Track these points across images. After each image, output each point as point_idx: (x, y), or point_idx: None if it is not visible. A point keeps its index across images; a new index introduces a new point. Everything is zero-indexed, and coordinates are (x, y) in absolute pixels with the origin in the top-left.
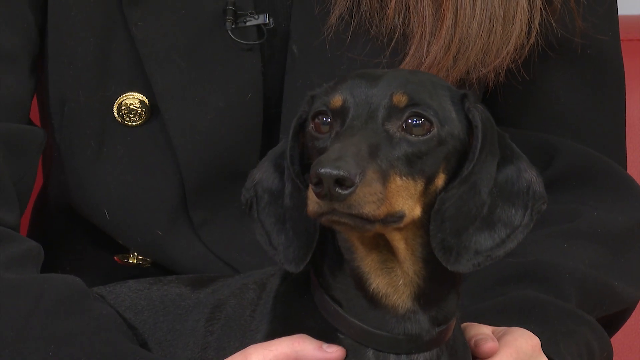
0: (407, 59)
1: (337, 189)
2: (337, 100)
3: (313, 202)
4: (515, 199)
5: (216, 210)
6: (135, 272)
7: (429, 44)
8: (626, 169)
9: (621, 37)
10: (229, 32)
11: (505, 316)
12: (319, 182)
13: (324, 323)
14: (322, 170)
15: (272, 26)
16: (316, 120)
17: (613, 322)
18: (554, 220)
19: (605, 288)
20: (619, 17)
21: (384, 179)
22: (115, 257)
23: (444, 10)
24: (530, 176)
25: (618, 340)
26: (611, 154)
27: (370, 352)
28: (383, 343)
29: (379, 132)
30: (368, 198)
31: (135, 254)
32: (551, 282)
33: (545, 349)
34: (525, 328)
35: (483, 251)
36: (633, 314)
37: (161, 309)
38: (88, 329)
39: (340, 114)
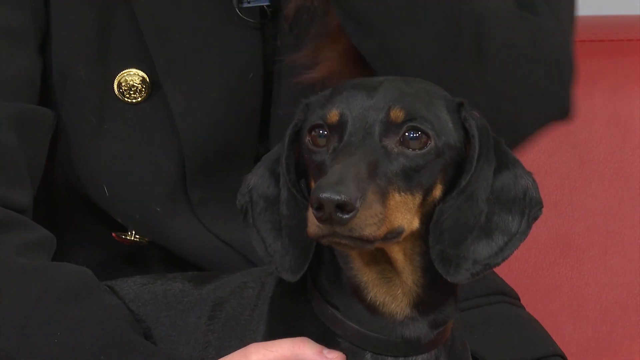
0: None
1: (338, 213)
2: (333, 114)
3: (313, 225)
4: (512, 206)
5: (214, 189)
6: (133, 251)
7: None
8: None
9: (621, 37)
10: (236, 9)
11: None
12: (320, 207)
13: (322, 326)
14: (323, 196)
15: (272, 8)
16: (312, 133)
17: None
18: None
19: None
20: (619, 17)
21: (384, 197)
22: (113, 234)
23: None
24: (526, 182)
25: (618, 340)
26: None
27: (368, 355)
28: (381, 346)
29: (377, 149)
30: (369, 220)
31: (134, 232)
32: None
33: None
34: None
35: (481, 260)
36: (633, 313)
37: (164, 304)
38: (95, 318)
39: (337, 128)
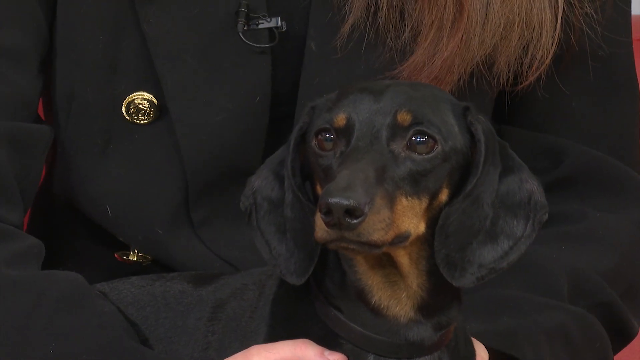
0: (423, 48)
1: (346, 218)
2: (340, 118)
3: (321, 230)
4: (517, 210)
5: (216, 210)
6: (136, 270)
7: (448, 33)
8: (639, 171)
9: None
10: (240, 34)
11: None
12: (328, 212)
13: (325, 327)
14: (332, 201)
15: (284, 29)
16: (319, 137)
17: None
18: (556, 220)
19: (597, 286)
20: None
21: (391, 202)
22: (115, 255)
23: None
24: (531, 186)
25: None
26: (622, 156)
27: (371, 357)
28: (384, 348)
29: (385, 154)
30: (377, 225)
31: (136, 251)
32: (541, 277)
33: (501, 344)
34: (497, 323)
35: (486, 264)
36: None
37: (163, 305)
38: (89, 326)
39: (344, 132)
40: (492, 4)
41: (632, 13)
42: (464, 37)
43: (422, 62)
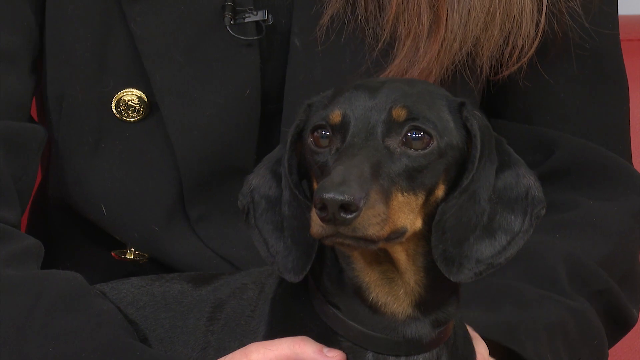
0: (400, 58)
1: (341, 213)
2: (336, 115)
3: (317, 225)
4: (514, 205)
5: (212, 206)
6: (133, 268)
7: (425, 44)
8: (630, 161)
9: (621, 37)
10: (228, 27)
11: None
12: (323, 207)
13: (323, 325)
14: (327, 196)
15: (271, 22)
16: (315, 134)
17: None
18: (549, 209)
19: (595, 274)
20: (619, 17)
21: (387, 197)
22: (112, 253)
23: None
24: (528, 181)
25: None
26: (612, 146)
27: (369, 355)
28: (382, 346)
29: (380, 149)
30: (372, 220)
31: (133, 249)
32: (539, 266)
33: (503, 337)
34: (498, 312)
35: (484, 259)
36: None
37: (163, 305)
38: (88, 325)
39: (340, 129)
40: (474, 2)
41: (632, 13)
42: (441, 49)
43: (401, 71)
